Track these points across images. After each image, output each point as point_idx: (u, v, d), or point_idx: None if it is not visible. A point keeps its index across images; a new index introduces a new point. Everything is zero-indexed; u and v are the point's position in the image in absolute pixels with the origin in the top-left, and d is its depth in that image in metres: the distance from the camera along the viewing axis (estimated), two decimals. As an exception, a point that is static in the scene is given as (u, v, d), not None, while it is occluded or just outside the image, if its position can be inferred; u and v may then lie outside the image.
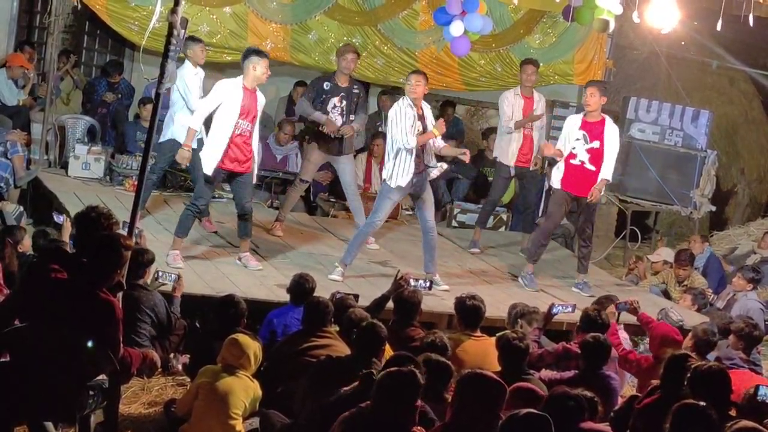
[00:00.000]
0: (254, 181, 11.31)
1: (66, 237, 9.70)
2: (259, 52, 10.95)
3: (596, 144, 11.93)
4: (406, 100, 11.15)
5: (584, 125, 11.97)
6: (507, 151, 13.31)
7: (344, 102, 12.36)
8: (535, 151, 13.22)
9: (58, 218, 10.20)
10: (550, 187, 13.21)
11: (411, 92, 11.11)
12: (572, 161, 11.98)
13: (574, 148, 11.97)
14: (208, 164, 10.79)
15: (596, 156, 11.93)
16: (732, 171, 19.45)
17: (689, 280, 13.13)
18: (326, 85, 12.37)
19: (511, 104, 13.27)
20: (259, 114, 11.02)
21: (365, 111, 12.96)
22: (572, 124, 12.09)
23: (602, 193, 12.25)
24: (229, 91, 10.75)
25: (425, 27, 15.43)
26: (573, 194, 12.10)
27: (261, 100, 11.02)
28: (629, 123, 16.08)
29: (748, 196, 19.68)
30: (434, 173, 11.39)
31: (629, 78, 18.78)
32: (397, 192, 11.23)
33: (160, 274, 9.44)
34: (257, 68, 10.78)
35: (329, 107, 12.30)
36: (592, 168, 11.93)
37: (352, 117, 12.42)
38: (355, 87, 12.58)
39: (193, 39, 12.16)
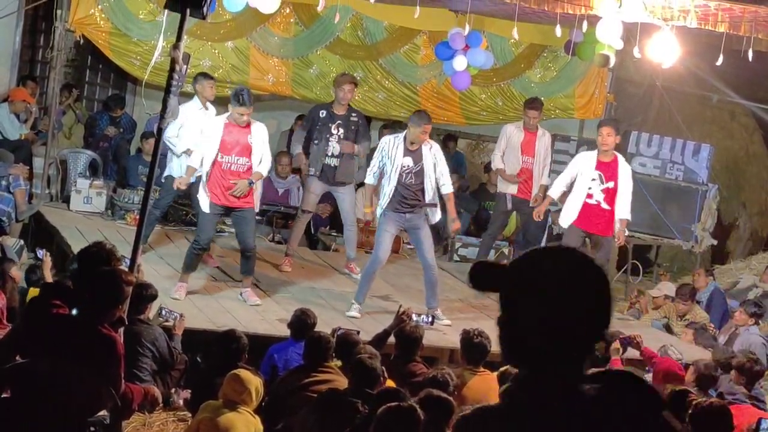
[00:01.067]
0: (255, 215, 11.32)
1: (47, 272, 9.70)
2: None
3: (611, 184, 11.99)
4: (399, 137, 11.21)
5: (599, 165, 11.98)
6: (505, 182, 13.34)
7: (341, 130, 12.40)
8: (536, 189, 13.22)
9: (39, 253, 10.21)
10: (552, 227, 13.30)
11: (415, 137, 11.14)
12: (589, 201, 11.99)
13: (590, 188, 11.98)
14: (203, 201, 10.85)
15: (611, 195, 11.98)
16: (733, 205, 19.43)
17: (691, 314, 13.10)
18: (322, 113, 12.43)
19: (506, 137, 13.29)
20: (256, 147, 10.90)
21: (368, 139, 12.95)
22: (586, 163, 12.04)
23: (626, 233, 12.36)
24: (209, 130, 10.83)
25: (426, 61, 15.50)
26: (587, 231, 12.12)
27: (256, 132, 10.91)
28: (630, 157, 16.05)
29: (750, 230, 19.66)
30: (433, 218, 11.40)
31: (630, 112, 18.79)
32: (388, 222, 11.23)
33: (164, 311, 9.43)
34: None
35: (327, 135, 12.34)
36: (608, 207, 11.99)
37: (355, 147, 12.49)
38: (354, 115, 12.61)
39: (204, 75, 12.28)
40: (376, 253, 11.38)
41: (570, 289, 2.98)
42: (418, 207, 11.23)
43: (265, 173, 11.29)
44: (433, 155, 11.23)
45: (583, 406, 2.96)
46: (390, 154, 11.12)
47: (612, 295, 3.09)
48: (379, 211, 11.27)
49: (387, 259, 11.54)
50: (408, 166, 11.12)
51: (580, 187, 12.03)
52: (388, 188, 11.13)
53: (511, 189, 13.33)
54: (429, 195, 11.26)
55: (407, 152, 11.12)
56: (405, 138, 11.16)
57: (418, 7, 10.96)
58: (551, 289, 2.98)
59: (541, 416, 2.89)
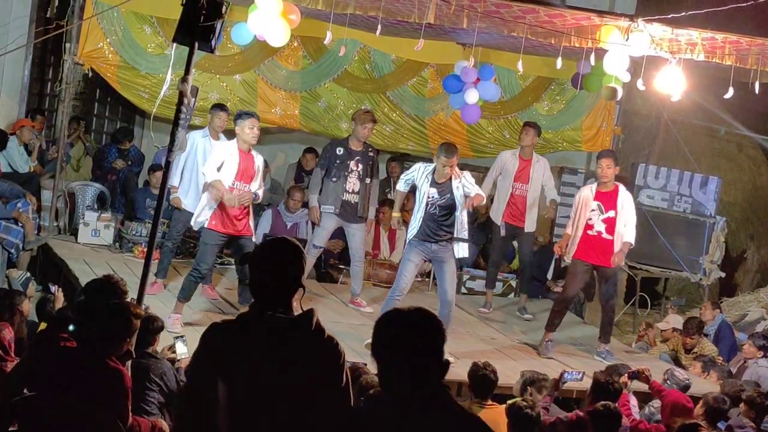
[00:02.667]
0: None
1: (59, 307, 9.68)
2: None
3: (611, 213, 11.98)
4: (430, 167, 11.17)
5: (598, 196, 12.00)
6: (496, 209, 13.42)
7: (360, 165, 12.44)
8: (533, 219, 13.34)
9: (52, 289, 10.20)
10: (561, 258, 13.35)
11: (438, 171, 11.05)
12: (589, 232, 12.01)
13: (590, 219, 11.99)
14: (198, 222, 10.94)
15: (612, 225, 11.97)
16: (741, 237, 19.43)
17: (699, 347, 13.06)
18: (339, 150, 12.42)
19: (502, 163, 13.37)
20: (258, 175, 11.01)
21: (377, 177, 12.99)
22: (586, 195, 12.09)
23: (623, 259, 12.38)
24: (226, 154, 10.86)
25: (434, 94, 15.55)
26: (591, 263, 12.10)
27: (258, 161, 11.06)
28: (638, 189, 16.10)
29: (758, 263, 19.65)
30: (459, 252, 11.27)
31: (637, 144, 18.83)
32: (412, 252, 11.16)
33: (178, 344, 9.32)
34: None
35: (347, 172, 12.38)
36: (609, 237, 11.98)
37: (368, 180, 12.50)
38: (370, 150, 12.68)
39: (217, 106, 12.36)
40: (398, 282, 11.29)
41: (264, 261, 5.08)
42: (444, 240, 11.15)
43: (261, 195, 11.34)
44: (464, 187, 11.06)
45: (271, 324, 4.97)
46: (419, 180, 11.09)
47: (300, 263, 5.16)
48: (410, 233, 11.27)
49: (408, 290, 11.46)
50: (433, 197, 11.03)
51: (581, 219, 12.06)
52: (417, 217, 11.11)
53: (497, 217, 13.42)
54: (457, 229, 11.15)
55: (434, 183, 11.02)
56: (435, 169, 11.12)
57: (421, 39, 10.96)
58: (256, 260, 5.09)
59: (248, 326, 4.97)
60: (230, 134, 12.31)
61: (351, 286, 13.00)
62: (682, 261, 15.98)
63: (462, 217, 11.09)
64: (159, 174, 13.43)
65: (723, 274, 16.64)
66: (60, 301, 9.81)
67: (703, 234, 16.07)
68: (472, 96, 13.67)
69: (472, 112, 14.07)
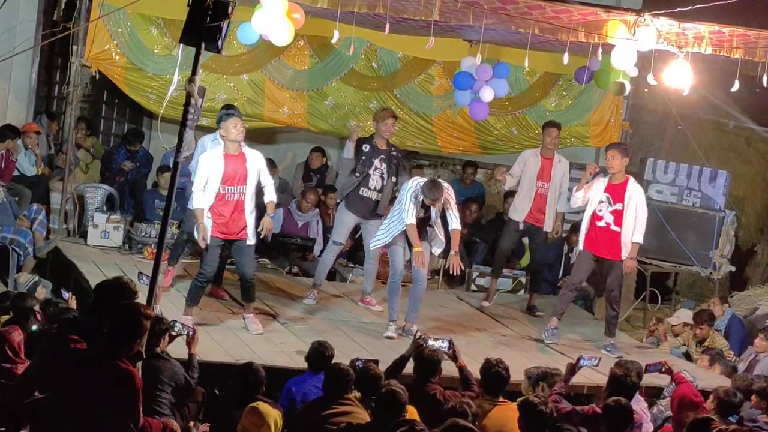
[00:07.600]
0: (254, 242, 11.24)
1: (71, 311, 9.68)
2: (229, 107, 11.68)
3: (619, 206, 12.04)
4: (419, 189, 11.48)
5: (608, 188, 12.04)
6: (518, 208, 13.40)
7: (384, 165, 12.47)
8: (551, 216, 13.31)
9: (65, 295, 10.21)
10: (570, 250, 13.33)
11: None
12: (598, 223, 12.09)
13: (599, 210, 12.04)
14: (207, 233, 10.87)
15: (619, 217, 12.02)
16: (751, 231, 19.36)
17: (709, 340, 13.02)
18: (365, 147, 12.43)
19: (524, 162, 13.37)
20: (252, 173, 10.92)
21: (407, 173, 13.09)
22: (597, 186, 12.12)
23: (635, 261, 12.50)
24: (210, 164, 10.79)
25: (441, 92, 15.53)
26: (597, 255, 12.14)
27: (251, 159, 10.95)
28: (647, 184, 16.06)
29: (768, 256, 19.59)
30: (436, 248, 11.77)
31: (646, 139, 18.78)
32: (399, 239, 11.63)
33: (177, 324, 9.25)
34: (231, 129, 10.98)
35: (371, 170, 12.38)
36: (617, 229, 12.05)
37: (393, 179, 12.56)
38: (394, 150, 12.72)
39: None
40: (394, 267, 11.67)
41: None
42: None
43: (275, 199, 11.29)
44: (439, 209, 11.57)
45: None
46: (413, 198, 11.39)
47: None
48: (386, 237, 11.61)
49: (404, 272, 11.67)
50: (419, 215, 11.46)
51: (589, 209, 12.11)
52: (398, 218, 11.51)
53: (519, 216, 13.40)
54: (430, 236, 11.68)
55: (424, 206, 11.46)
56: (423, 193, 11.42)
57: (432, 38, 10.92)
58: None
59: None
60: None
61: (363, 284, 12.99)
62: (692, 255, 15.95)
63: (437, 228, 11.72)
64: (167, 175, 13.41)
65: (733, 268, 16.60)
66: (73, 306, 9.82)
67: (713, 228, 16.03)
68: (487, 93, 13.64)
69: (481, 108, 14.05)
